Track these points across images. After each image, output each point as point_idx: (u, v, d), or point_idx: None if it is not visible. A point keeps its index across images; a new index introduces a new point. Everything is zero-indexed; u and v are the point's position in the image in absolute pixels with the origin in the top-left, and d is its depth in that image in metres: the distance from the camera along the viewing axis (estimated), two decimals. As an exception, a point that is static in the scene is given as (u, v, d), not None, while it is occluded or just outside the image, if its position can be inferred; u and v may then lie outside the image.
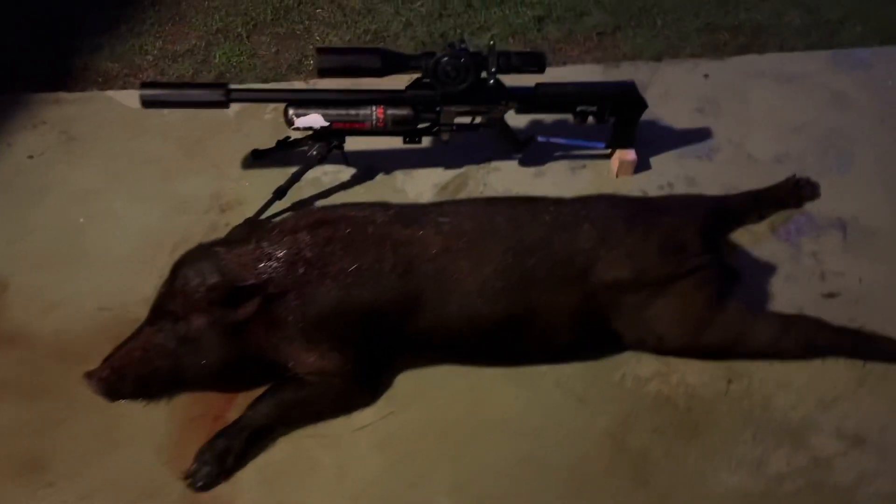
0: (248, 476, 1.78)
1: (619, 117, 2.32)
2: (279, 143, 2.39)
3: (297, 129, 2.21)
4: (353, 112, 2.19)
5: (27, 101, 2.71)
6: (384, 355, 1.91)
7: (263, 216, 2.23)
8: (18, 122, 2.65)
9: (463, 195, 2.38)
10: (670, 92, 2.72)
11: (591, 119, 2.31)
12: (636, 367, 1.97)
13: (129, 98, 2.61)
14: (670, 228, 1.93)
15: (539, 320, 1.87)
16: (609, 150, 2.43)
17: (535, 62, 2.14)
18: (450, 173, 2.46)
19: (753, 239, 2.25)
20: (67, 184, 2.45)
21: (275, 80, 2.86)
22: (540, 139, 2.39)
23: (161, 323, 1.79)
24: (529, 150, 2.44)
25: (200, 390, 1.90)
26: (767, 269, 2.17)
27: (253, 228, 1.88)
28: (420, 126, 2.27)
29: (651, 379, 1.95)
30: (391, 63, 2.10)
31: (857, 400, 1.89)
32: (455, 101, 2.21)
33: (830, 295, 2.11)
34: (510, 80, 2.22)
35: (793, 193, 2.32)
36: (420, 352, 1.94)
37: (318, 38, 3.09)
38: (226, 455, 1.77)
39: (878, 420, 1.85)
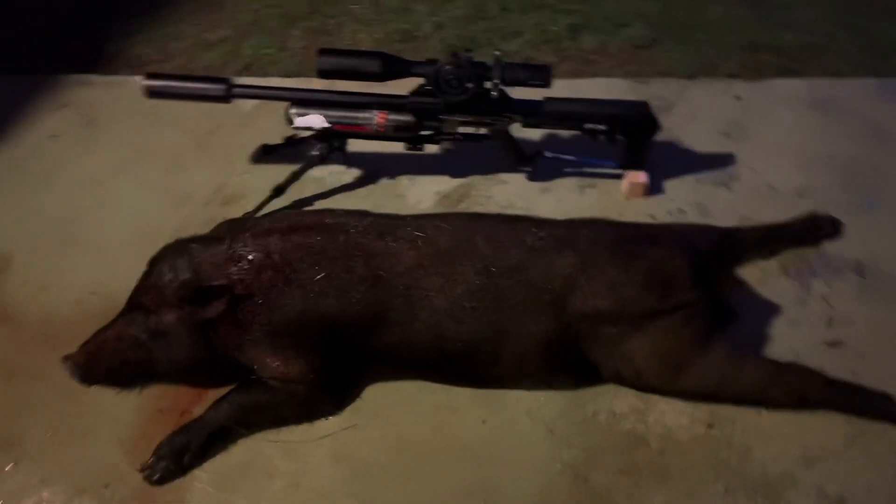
0: (204, 475, 1.78)
1: (630, 138, 2.22)
2: (287, 139, 2.39)
3: (297, 128, 2.20)
4: (354, 115, 2.17)
5: (56, 82, 2.79)
6: (351, 366, 1.88)
7: (261, 213, 2.23)
8: (45, 102, 2.73)
9: (464, 206, 2.33)
10: (697, 112, 2.61)
11: (601, 137, 2.22)
12: (613, 401, 1.89)
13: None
14: (658, 260, 1.83)
15: (511, 345, 1.81)
16: (621, 171, 2.33)
17: (541, 76, 2.07)
18: (454, 182, 2.41)
19: (761, 276, 2.13)
20: (80, 167, 2.50)
21: (299, 75, 2.86)
22: (547, 155, 2.32)
23: (134, 315, 1.80)
24: (536, 164, 2.36)
25: (171, 383, 1.91)
26: (771, 310, 2.05)
27: (233, 227, 1.87)
28: (422, 133, 2.22)
29: (627, 415, 1.87)
30: (392, 68, 2.07)
31: (846, 459, 1.77)
32: (458, 111, 2.16)
33: (835, 343, 1.98)
34: (521, 92, 2.16)
35: (811, 230, 2.19)
36: (388, 365, 1.90)
37: (348, 34, 3.08)
38: (183, 452, 1.77)
39: (865, 483, 1.72)
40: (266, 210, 2.25)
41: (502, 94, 2.12)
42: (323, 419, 1.87)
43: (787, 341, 1.98)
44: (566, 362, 1.86)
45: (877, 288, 2.09)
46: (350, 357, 1.85)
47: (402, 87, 2.19)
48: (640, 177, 2.30)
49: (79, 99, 2.72)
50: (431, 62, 2.08)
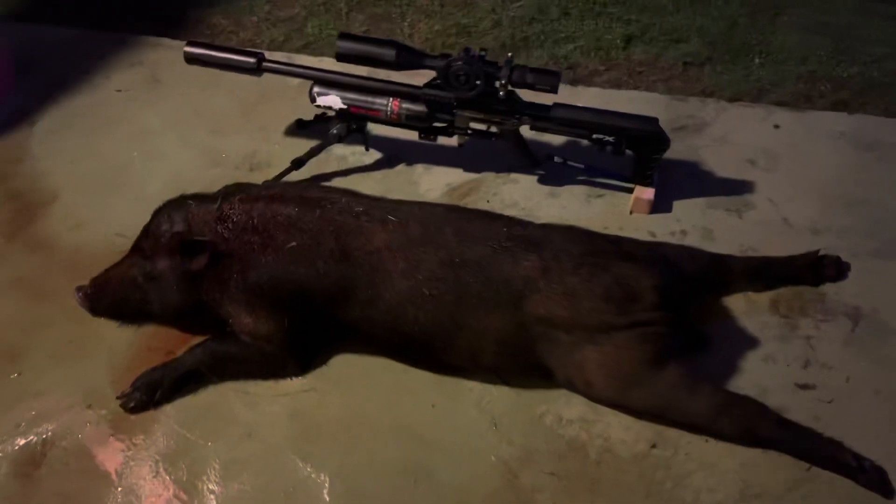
0: (172, 411, 1.95)
1: (637, 152, 2.22)
2: (316, 117, 2.52)
3: (318, 106, 2.33)
4: (370, 100, 2.27)
5: (134, 42, 3.03)
6: (320, 336, 1.99)
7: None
8: (122, 58, 2.98)
9: (470, 200, 2.40)
10: (729, 136, 2.55)
11: (608, 149, 2.23)
12: (563, 407, 1.92)
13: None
14: (623, 276, 1.84)
15: (466, 336, 1.87)
16: (629, 185, 2.33)
17: (549, 81, 2.10)
18: (466, 176, 2.48)
19: (748, 307, 2.09)
20: (137, 120, 2.73)
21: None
22: (556, 160, 2.34)
23: (135, 258, 1.99)
24: (544, 167, 2.40)
25: (162, 325, 2.08)
26: (748, 343, 2.01)
27: (230, 189, 2.01)
28: (435, 125, 2.30)
29: (573, 422, 1.89)
30: (405, 58, 2.15)
31: (784, 502, 1.73)
32: (467, 107, 2.22)
33: (805, 386, 1.93)
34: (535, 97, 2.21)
35: (812, 269, 2.12)
36: (356, 341, 2.00)
37: (408, 24, 3.18)
38: (156, 387, 1.95)
39: (796, 531, 1.69)
40: (285, 181, 2.39)
41: (510, 94, 2.16)
42: (286, 379, 1.99)
43: (756, 376, 1.95)
44: (522, 363, 1.90)
45: (867, 338, 2.01)
46: (319, 327, 1.96)
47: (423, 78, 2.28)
48: (647, 193, 2.29)
49: (150, 59, 2.96)
50: (444, 56, 2.15)
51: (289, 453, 1.86)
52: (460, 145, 2.35)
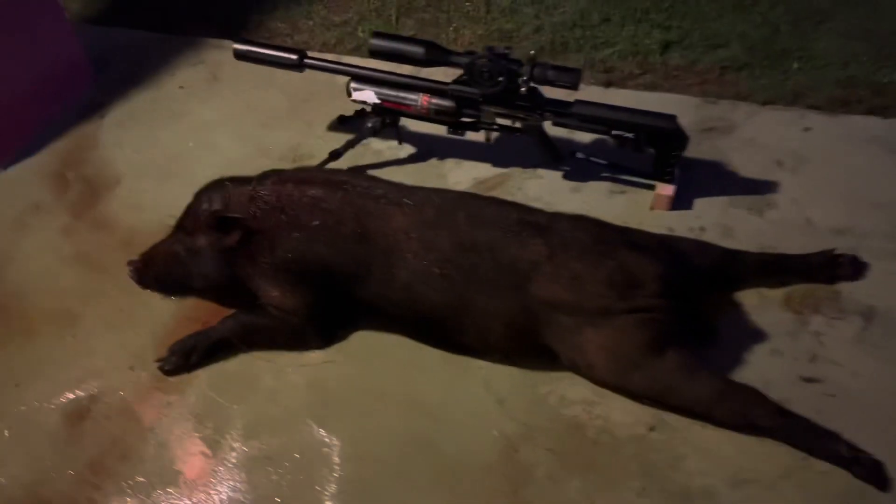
0: (204, 375, 2.12)
1: (657, 149, 2.28)
2: (356, 112, 2.67)
3: (355, 101, 2.48)
4: (402, 95, 2.41)
5: (198, 43, 3.26)
6: (343, 311, 2.12)
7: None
8: (186, 58, 3.21)
9: (495, 193, 2.48)
10: (758, 138, 2.58)
11: (628, 145, 2.29)
12: (567, 388, 1.99)
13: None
14: (628, 264, 1.90)
15: (475, 316, 1.97)
16: (650, 181, 2.39)
17: (569, 78, 2.18)
18: (494, 171, 2.58)
19: (760, 302, 2.12)
20: (195, 114, 2.95)
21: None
22: (579, 156, 2.43)
23: (178, 234, 2.18)
24: (568, 164, 2.48)
25: (203, 298, 2.26)
26: (757, 337, 2.04)
27: (266, 174, 2.17)
28: (463, 120, 2.42)
29: (575, 403, 1.97)
30: (433, 55, 2.28)
31: (775, 489, 1.77)
32: (492, 102, 2.33)
33: (810, 380, 1.94)
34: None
35: (827, 268, 2.13)
36: (376, 319, 2.13)
37: (453, 28, 3.31)
38: (191, 353, 2.12)
39: (785, 516, 1.72)
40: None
41: (532, 90, 2.26)
42: (309, 351, 2.14)
43: (761, 368, 1.98)
44: (528, 344, 1.98)
45: (878, 338, 2.01)
46: (340, 303, 2.09)
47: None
48: (667, 189, 2.35)
49: (211, 58, 3.18)
50: (470, 54, 2.26)
51: (305, 418, 2.00)
52: (487, 140, 2.46)
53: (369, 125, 2.51)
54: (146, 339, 2.22)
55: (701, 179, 2.45)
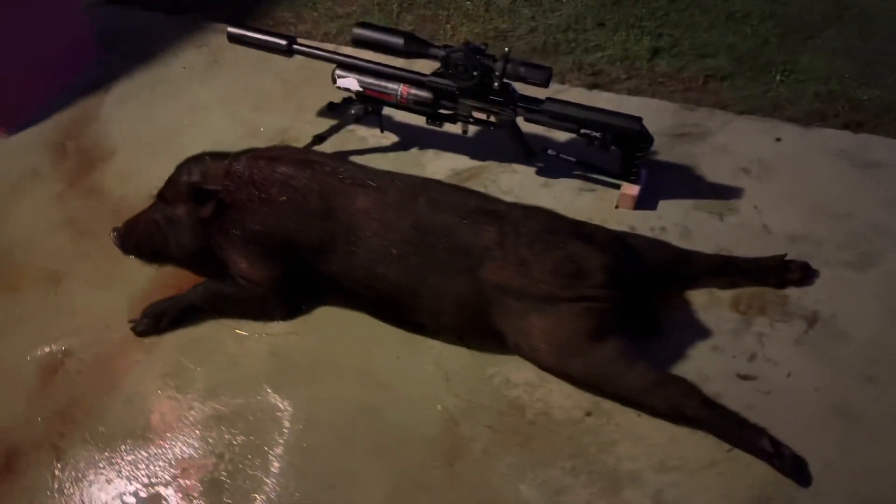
0: (172, 338, 2.23)
1: (622, 149, 2.36)
2: (344, 100, 2.78)
3: (339, 88, 2.58)
4: (383, 84, 2.51)
5: (203, 26, 3.39)
6: (307, 286, 2.22)
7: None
8: (191, 41, 3.34)
9: (469, 184, 2.56)
10: (729, 146, 2.64)
11: (596, 144, 2.37)
12: (512, 371, 2.07)
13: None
14: (576, 255, 1.98)
15: (429, 297, 2.06)
16: (616, 181, 2.47)
17: (539, 76, 2.26)
18: (471, 163, 2.67)
19: (709, 301, 2.18)
20: (194, 94, 3.08)
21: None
22: (549, 152, 2.51)
23: (159, 204, 2.29)
24: (542, 161, 2.56)
25: (179, 266, 2.37)
26: (700, 334, 2.11)
27: (245, 151, 2.28)
28: (441, 112, 2.51)
29: (519, 385, 2.05)
30: (412, 47, 2.37)
31: (698, 477, 1.84)
32: (467, 96, 2.42)
33: (746, 377, 2.01)
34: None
35: (777, 272, 2.19)
36: (339, 295, 2.22)
37: (450, 26, 3.41)
38: (162, 317, 2.23)
39: (703, 502, 1.79)
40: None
41: (504, 86, 2.34)
42: (274, 322, 2.24)
43: (700, 364, 2.05)
44: (479, 326, 2.07)
45: (818, 341, 2.07)
46: (305, 278, 2.19)
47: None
48: (632, 189, 2.42)
49: (214, 42, 3.30)
50: (447, 47, 2.35)
51: (263, 384, 2.10)
52: (464, 132, 2.55)
53: (352, 112, 2.62)
54: (123, 302, 2.34)
55: (668, 182, 2.52)
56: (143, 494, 1.92)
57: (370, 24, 2.47)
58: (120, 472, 1.96)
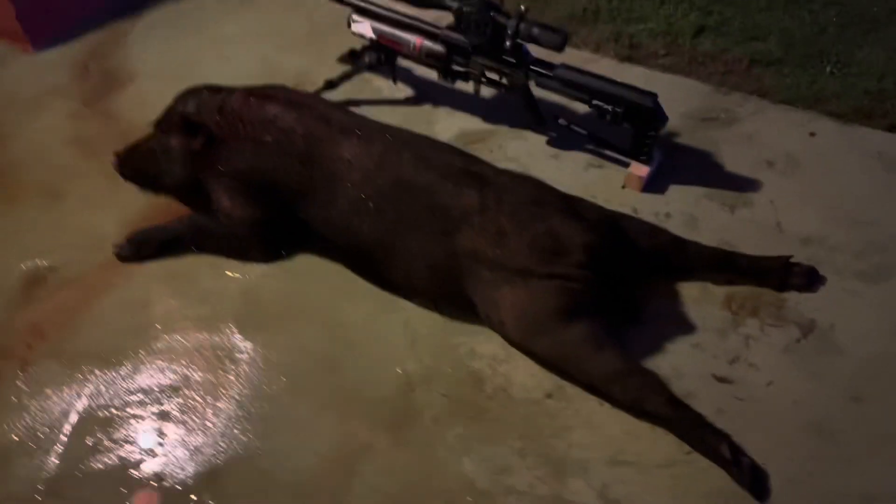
0: (152, 266, 2.24)
1: (634, 125, 2.23)
2: (363, 48, 2.70)
3: (353, 33, 2.51)
4: (397, 33, 2.43)
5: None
6: (288, 230, 2.18)
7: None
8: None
9: (476, 147, 2.48)
10: (756, 136, 2.47)
11: (607, 117, 2.25)
12: (480, 343, 2.00)
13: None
14: (557, 230, 1.89)
15: (402, 256, 2.00)
16: (627, 159, 2.34)
17: (554, 40, 2.15)
18: (481, 126, 2.58)
19: (701, 296, 2.06)
20: (221, 29, 3.07)
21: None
22: (560, 122, 2.39)
23: (155, 132, 2.28)
24: (553, 130, 2.45)
25: (170, 197, 2.36)
26: (683, 328, 1.99)
27: (246, 88, 2.24)
28: (453, 68, 2.42)
29: (483, 357, 1.98)
30: (426, -3, 2.28)
31: (649, 475, 1.74)
32: (479, 53, 2.32)
33: (723, 380, 1.89)
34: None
35: (779, 274, 2.04)
36: (320, 244, 2.18)
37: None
38: (144, 244, 2.24)
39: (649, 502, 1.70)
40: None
41: (517, 46, 2.23)
42: (252, 263, 2.21)
43: (676, 359, 1.94)
44: (451, 292, 2.00)
45: (808, 352, 1.92)
46: (286, 222, 2.14)
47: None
48: (641, 170, 2.29)
49: (252, -22, 3.27)
50: (463, 1, 2.25)
51: (229, 321, 2.09)
52: (476, 92, 2.45)
53: (365, 59, 2.55)
54: (114, 226, 2.35)
55: (683, 166, 2.38)
56: (97, 415, 1.93)
57: (387, -33, 2.38)
58: (79, 392, 1.98)
